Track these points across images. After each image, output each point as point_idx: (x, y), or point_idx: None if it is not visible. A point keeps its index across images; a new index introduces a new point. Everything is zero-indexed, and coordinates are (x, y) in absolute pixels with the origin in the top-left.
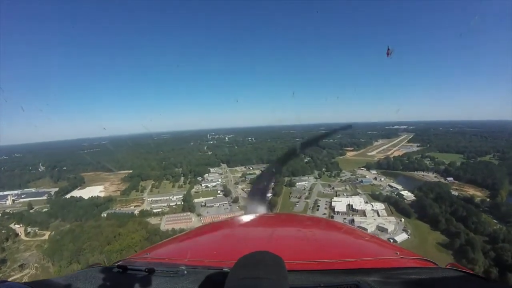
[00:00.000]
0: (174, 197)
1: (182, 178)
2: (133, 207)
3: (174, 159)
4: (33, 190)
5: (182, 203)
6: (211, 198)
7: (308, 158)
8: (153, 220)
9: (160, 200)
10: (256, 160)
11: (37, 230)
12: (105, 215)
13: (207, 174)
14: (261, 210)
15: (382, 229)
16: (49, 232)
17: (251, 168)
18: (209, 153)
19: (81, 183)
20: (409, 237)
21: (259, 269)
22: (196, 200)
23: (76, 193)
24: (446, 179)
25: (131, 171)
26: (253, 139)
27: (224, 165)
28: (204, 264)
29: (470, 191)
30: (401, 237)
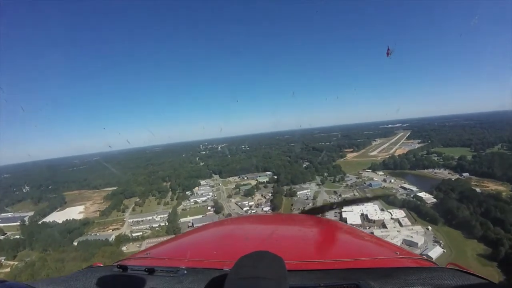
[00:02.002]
0: (158, 216)
1: (170, 194)
2: (111, 230)
3: (163, 173)
4: (9, 215)
5: (167, 224)
6: (200, 216)
7: (307, 163)
8: (131, 247)
9: (142, 221)
10: (250, 169)
11: (3, 260)
12: (76, 243)
13: (197, 188)
14: None
15: (410, 243)
16: (14, 263)
17: (246, 178)
18: (201, 164)
19: (61, 204)
20: (444, 250)
21: (259, 269)
22: (182, 220)
23: (54, 215)
24: (462, 175)
25: (115, 188)
26: (246, 146)
27: (216, 176)
28: (204, 264)
29: (491, 186)
30: (436, 252)
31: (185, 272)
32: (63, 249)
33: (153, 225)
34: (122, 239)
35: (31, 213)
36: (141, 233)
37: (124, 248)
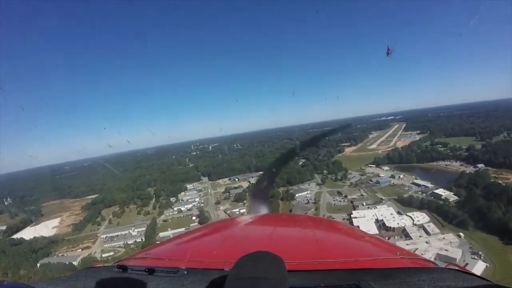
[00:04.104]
0: (135, 230)
1: (153, 201)
2: (80, 250)
3: (149, 176)
4: None
5: (143, 239)
6: (182, 229)
7: (304, 160)
8: None
9: (117, 236)
10: (242, 169)
11: None
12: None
13: (183, 193)
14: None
15: (447, 259)
16: None
17: (237, 180)
18: (190, 165)
19: (37, 217)
20: (487, 264)
21: (259, 269)
22: (162, 234)
23: (27, 231)
24: (477, 167)
25: (96, 196)
26: (238, 145)
27: (205, 179)
28: (204, 264)
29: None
30: (479, 268)
31: (185, 272)
32: (20, 275)
33: (128, 242)
34: (89, 262)
35: (4, 228)
36: (112, 253)
37: None
